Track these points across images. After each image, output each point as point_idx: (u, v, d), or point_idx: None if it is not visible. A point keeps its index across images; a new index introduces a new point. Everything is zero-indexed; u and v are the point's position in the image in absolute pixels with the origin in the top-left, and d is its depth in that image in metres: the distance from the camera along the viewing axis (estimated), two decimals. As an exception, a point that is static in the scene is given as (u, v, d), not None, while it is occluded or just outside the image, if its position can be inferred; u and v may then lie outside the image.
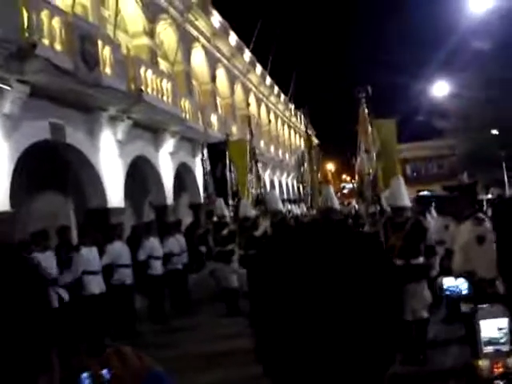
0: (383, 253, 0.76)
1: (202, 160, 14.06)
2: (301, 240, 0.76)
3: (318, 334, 0.68)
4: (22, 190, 11.14)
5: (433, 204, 9.18)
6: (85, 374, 0.79)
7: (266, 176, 27.60)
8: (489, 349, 1.24)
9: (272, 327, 0.72)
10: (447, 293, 2.73)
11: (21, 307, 0.60)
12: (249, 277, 0.81)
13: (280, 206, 9.44)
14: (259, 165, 13.02)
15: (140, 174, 16.23)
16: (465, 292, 2.59)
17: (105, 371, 0.79)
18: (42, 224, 10.73)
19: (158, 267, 10.44)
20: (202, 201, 14.89)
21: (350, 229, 0.80)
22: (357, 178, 9.69)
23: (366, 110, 9.46)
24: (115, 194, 13.49)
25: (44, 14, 10.48)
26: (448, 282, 2.72)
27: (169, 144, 16.77)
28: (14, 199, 9.92)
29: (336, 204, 8.95)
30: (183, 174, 18.98)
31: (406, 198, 7.92)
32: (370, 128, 9.48)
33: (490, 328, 1.26)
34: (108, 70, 12.58)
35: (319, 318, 0.69)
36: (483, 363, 1.24)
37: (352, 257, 0.72)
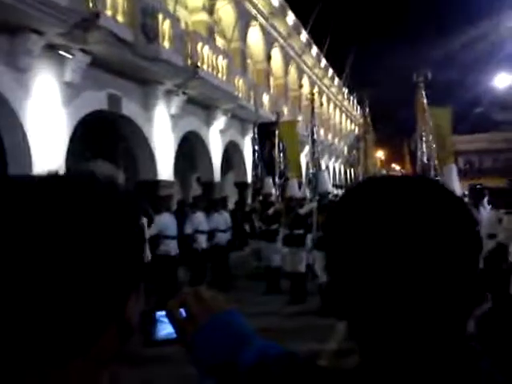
0: (470, 212, 0.73)
1: (253, 139, 14.09)
2: (384, 195, 0.72)
3: (406, 291, 0.67)
4: (77, 157, 11.51)
5: (485, 197, 8.90)
6: (161, 312, 0.83)
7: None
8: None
9: (356, 272, 0.70)
10: None
11: (120, 225, 0.63)
12: (328, 225, 0.76)
13: (330, 187, 9.39)
14: (315, 145, 12.90)
15: (190, 150, 16.45)
16: None
17: (181, 310, 0.83)
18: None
19: (202, 242, 10.62)
20: (250, 179, 14.96)
21: (441, 186, 0.76)
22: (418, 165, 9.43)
23: (424, 95, 9.23)
24: (165, 168, 13.74)
25: (108, -14, 10.67)
26: None
27: (220, 121, 16.89)
28: (67, 165, 10.25)
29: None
30: (231, 153, 19.10)
31: (457, 186, 7.73)
32: (426, 114, 9.25)
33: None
34: (166, 44, 12.72)
35: (407, 274, 0.67)
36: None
37: (440, 216, 0.69)
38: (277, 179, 12.29)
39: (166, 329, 0.83)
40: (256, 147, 14.28)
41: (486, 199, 8.61)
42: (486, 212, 8.13)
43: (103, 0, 10.47)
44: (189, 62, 14.09)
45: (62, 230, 0.58)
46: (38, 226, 0.57)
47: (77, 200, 0.61)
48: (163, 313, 0.83)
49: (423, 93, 9.28)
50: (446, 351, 0.69)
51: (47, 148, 9.73)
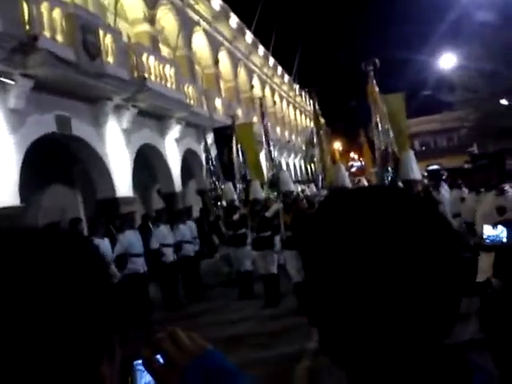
0: (441, 215, 0.74)
1: (205, 146, 13.99)
2: (358, 204, 0.74)
3: (380, 300, 0.68)
4: (31, 184, 11.17)
5: (444, 177, 9.09)
6: (138, 361, 0.78)
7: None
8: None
9: (334, 294, 0.71)
10: (487, 241, 2.71)
11: (88, 288, 0.61)
12: (303, 246, 0.78)
13: (292, 186, 9.38)
14: (270, 146, 12.97)
15: (147, 162, 16.23)
16: (505, 240, 2.57)
17: (158, 356, 0.77)
18: (52, 217, 10.79)
19: (169, 255, 10.47)
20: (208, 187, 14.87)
21: (405, 192, 0.79)
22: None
23: (375, 83, 9.32)
24: (123, 184, 13.50)
25: (44, 7, 10.39)
26: (488, 231, 2.70)
27: (174, 131, 16.72)
28: (22, 194, 9.94)
29: (348, 182, 8.89)
30: (190, 161, 18.95)
31: (416, 172, 7.88)
32: (380, 102, 9.35)
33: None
34: (110, 59, 12.50)
35: (381, 282, 0.68)
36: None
37: (411, 219, 0.71)
38: (238, 183, 12.22)
39: (145, 377, 0.78)
40: (212, 153, 14.15)
41: (443, 180, 8.79)
42: (446, 192, 8.29)
43: (41, 22, 10.20)
44: (135, 74, 13.89)
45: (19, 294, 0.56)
46: None
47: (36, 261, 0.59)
48: (141, 361, 0.77)
49: (374, 81, 9.37)
50: (422, 362, 0.69)
51: (-2, 179, 9.39)
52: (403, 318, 0.68)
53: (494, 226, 2.67)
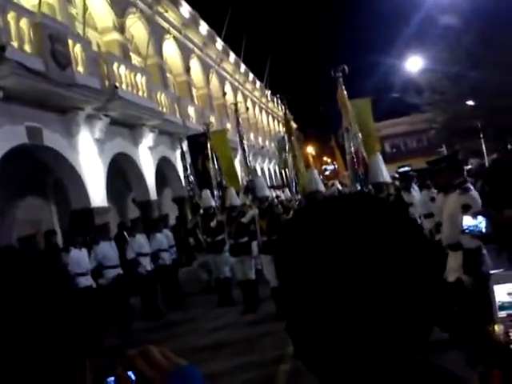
0: (413, 220, 0.76)
1: (182, 154, 13.95)
2: (331, 212, 0.75)
3: (355, 307, 0.68)
4: (4, 196, 10.98)
5: (414, 179, 9.26)
6: (111, 378, 0.76)
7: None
8: (502, 314, 1.28)
9: (307, 302, 0.71)
10: (467, 232, 2.77)
11: (59, 309, 0.61)
12: (277, 254, 0.78)
13: (267, 192, 9.44)
14: (246, 152, 13.04)
15: (121, 172, 16.09)
16: (484, 230, 2.63)
17: (130, 373, 0.75)
18: (26, 230, 10.62)
19: (146, 264, 10.39)
20: (186, 195, 14.83)
21: (377, 199, 0.80)
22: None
23: (344, 89, 9.49)
24: (98, 194, 13.35)
25: (11, 16, 10.25)
26: (467, 221, 2.77)
27: (148, 139, 16.62)
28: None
29: (321, 186, 8.98)
30: (165, 168, 18.85)
31: (385, 175, 8.05)
32: (349, 107, 9.51)
33: (503, 293, 1.30)
34: (80, 69, 12.39)
35: (355, 289, 0.68)
36: (499, 328, 1.27)
37: (384, 226, 0.72)
38: (215, 190, 12.22)
39: None
40: (188, 161, 14.11)
41: (414, 181, 8.95)
42: (417, 193, 8.46)
43: (8, 31, 10.06)
44: (106, 83, 13.79)
45: None
46: None
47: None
48: (113, 378, 0.76)
49: (343, 87, 9.53)
50: (396, 371, 0.69)
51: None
52: (376, 325, 0.68)
53: (474, 216, 2.74)
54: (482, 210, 3.81)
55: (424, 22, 23.82)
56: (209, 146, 13.01)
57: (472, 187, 4.76)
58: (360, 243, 0.69)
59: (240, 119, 14.33)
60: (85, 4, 13.84)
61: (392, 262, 0.69)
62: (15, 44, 10.22)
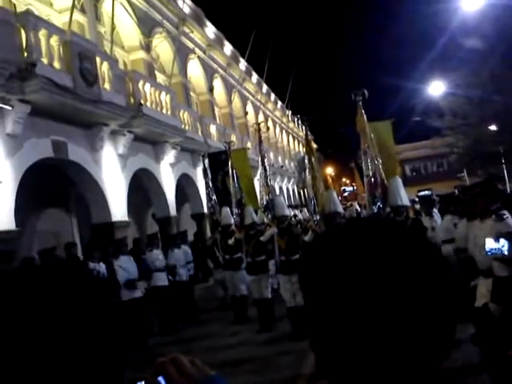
0: (428, 242, 0.79)
1: (204, 170, 14.09)
2: (352, 236, 0.79)
3: (376, 327, 0.71)
4: (26, 208, 11.19)
5: (436, 204, 9.21)
6: (141, 383, 0.80)
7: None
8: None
9: (332, 320, 0.74)
10: (489, 254, 2.76)
11: (101, 330, 0.67)
12: (303, 275, 0.82)
13: (286, 211, 9.47)
14: (267, 172, 13.12)
15: (142, 187, 16.29)
16: (506, 253, 2.63)
17: (160, 378, 0.79)
18: (47, 241, 10.80)
19: (163, 279, 10.46)
20: (206, 211, 14.93)
21: (397, 222, 0.83)
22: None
23: (364, 113, 9.53)
24: (119, 208, 13.54)
25: (42, 34, 10.59)
26: (490, 244, 2.77)
27: (169, 156, 16.85)
28: (18, 218, 9.97)
29: (340, 208, 9.01)
30: (185, 185, 19.03)
31: (404, 198, 8.01)
32: (367, 131, 9.54)
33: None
34: (107, 86, 12.68)
35: (377, 311, 0.71)
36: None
37: (403, 249, 0.75)
38: (235, 208, 12.29)
39: None
40: (209, 178, 14.26)
41: (436, 207, 8.90)
42: (438, 218, 8.40)
43: (39, 48, 10.38)
44: (131, 100, 14.07)
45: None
46: None
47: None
48: (142, 383, 0.80)
49: (362, 111, 9.58)
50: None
51: (-6, 203, 9.43)
52: (400, 343, 0.70)
53: (496, 239, 2.75)
54: (505, 233, 3.77)
55: (448, 45, 23.81)
56: (229, 163, 13.12)
57: (508, 214, 4.65)
58: (379, 265, 0.73)
59: (253, 138, 14.43)
60: (113, 23, 14.22)
61: (408, 281, 0.72)
62: (45, 60, 10.52)
